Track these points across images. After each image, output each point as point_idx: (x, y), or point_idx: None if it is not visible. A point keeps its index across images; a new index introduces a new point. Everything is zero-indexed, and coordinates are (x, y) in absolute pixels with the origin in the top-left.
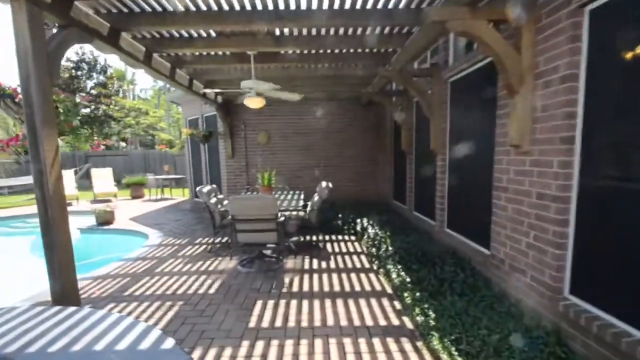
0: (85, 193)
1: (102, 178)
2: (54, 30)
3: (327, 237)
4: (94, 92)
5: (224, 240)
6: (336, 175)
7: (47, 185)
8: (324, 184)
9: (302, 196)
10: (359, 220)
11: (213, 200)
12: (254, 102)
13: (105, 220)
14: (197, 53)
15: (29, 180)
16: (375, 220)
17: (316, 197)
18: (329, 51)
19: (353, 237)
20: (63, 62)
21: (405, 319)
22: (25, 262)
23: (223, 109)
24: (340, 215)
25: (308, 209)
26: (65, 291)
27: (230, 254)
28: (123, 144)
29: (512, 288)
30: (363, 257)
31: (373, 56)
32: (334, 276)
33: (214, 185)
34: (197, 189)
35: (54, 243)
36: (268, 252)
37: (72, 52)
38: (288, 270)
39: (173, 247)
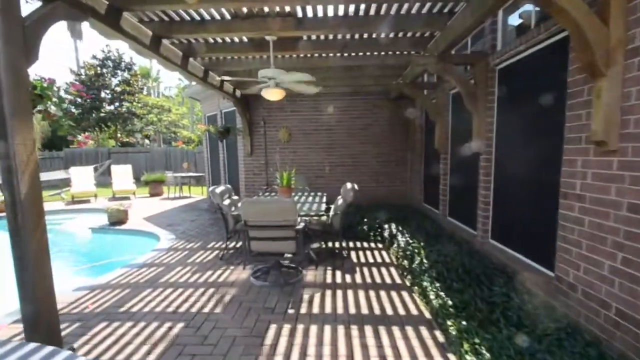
0: (104, 190)
1: (122, 175)
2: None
3: (351, 244)
4: (118, 89)
5: (237, 245)
6: (361, 176)
7: (18, 187)
8: (349, 185)
9: (324, 198)
10: (386, 226)
11: (227, 201)
12: (272, 94)
13: (118, 219)
14: (211, 40)
15: (54, 175)
16: (404, 226)
17: (340, 200)
18: (356, 36)
19: (380, 245)
20: (89, 60)
21: (452, 358)
22: None
23: (242, 104)
24: (365, 220)
25: (331, 213)
26: (39, 315)
27: (243, 263)
28: (146, 141)
29: (588, 322)
30: (393, 270)
31: (407, 41)
32: (361, 294)
33: (228, 186)
34: (210, 189)
35: (26, 257)
36: (285, 261)
37: (98, 50)
38: (308, 284)
39: (183, 252)
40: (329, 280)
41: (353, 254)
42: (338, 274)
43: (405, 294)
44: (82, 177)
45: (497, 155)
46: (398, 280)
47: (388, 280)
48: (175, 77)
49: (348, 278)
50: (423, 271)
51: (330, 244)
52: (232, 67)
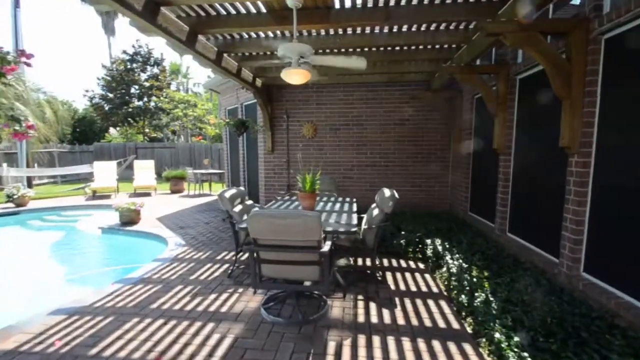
0: (126, 185)
1: (144, 170)
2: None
3: (384, 261)
4: (146, 84)
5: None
6: (394, 177)
7: None
8: (387, 192)
9: (354, 207)
10: (428, 241)
11: (238, 208)
12: (295, 76)
13: (129, 219)
14: (223, 12)
15: (80, 169)
16: (452, 243)
17: (375, 211)
18: (402, 2)
19: (421, 265)
20: (119, 55)
21: None
22: (38, 265)
23: (263, 95)
24: (402, 232)
25: (363, 225)
26: None
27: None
28: (173, 136)
29: None
30: (444, 305)
31: (471, 6)
32: (406, 344)
33: (241, 188)
34: (219, 192)
35: None
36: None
37: (129, 45)
38: (334, 322)
39: (189, 265)
40: (361, 317)
41: (389, 276)
42: (372, 307)
43: (468, 348)
44: (104, 171)
45: (599, 157)
46: (454, 324)
47: (440, 321)
48: (205, 74)
49: (386, 315)
50: (493, 316)
51: (360, 260)
52: (250, 48)
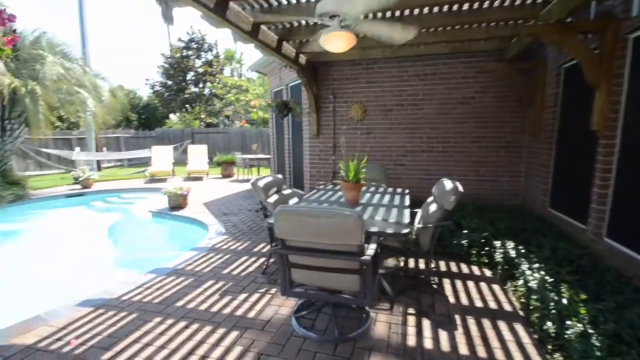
0: (181, 169)
1: (197, 155)
2: None
3: (441, 264)
4: (200, 70)
5: None
6: (454, 165)
7: None
8: (448, 184)
9: (407, 200)
10: (497, 243)
11: (273, 198)
12: (335, 42)
13: (177, 204)
14: None
15: (141, 154)
16: (528, 247)
17: (433, 207)
18: None
19: (488, 272)
20: (175, 42)
21: None
22: (93, 246)
23: (307, 73)
24: (463, 230)
25: (417, 224)
26: None
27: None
28: (227, 121)
29: None
30: (521, 331)
31: None
32: None
33: (278, 176)
34: (252, 180)
35: None
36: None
37: (184, 32)
38: (378, 342)
39: (224, 256)
40: (412, 338)
41: (446, 284)
42: (426, 325)
43: None
44: (161, 156)
45: None
46: (535, 358)
47: (517, 354)
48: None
49: (444, 339)
50: (595, 359)
51: (411, 262)
52: (290, 15)
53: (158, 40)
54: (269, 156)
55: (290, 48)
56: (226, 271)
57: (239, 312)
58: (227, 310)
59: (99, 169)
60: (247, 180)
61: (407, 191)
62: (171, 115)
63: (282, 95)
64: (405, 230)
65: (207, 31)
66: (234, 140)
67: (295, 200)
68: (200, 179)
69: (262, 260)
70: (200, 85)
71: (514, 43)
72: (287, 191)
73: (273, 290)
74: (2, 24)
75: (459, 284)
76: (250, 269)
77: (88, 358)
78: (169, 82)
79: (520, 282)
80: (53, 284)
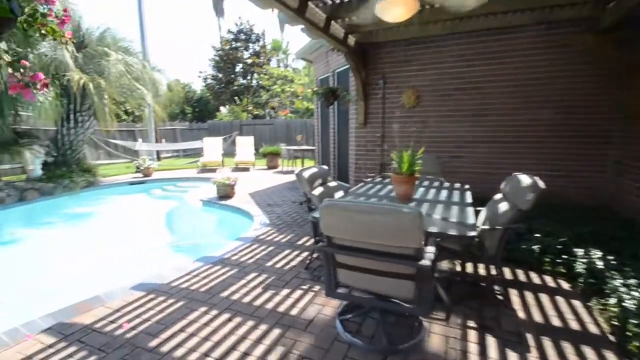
0: (230, 160)
1: (244, 146)
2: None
3: (506, 272)
4: (248, 61)
5: None
6: (524, 158)
7: None
8: (524, 179)
9: (468, 196)
10: (579, 251)
11: (318, 190)
12: (394, 9)
13: (225, 193)
14: None
15: (194, 145)
16: (624, 260)
17: (503, 205)
18: None
19: (565, 284)
20: (224, 35)
21: None
22: (152, 231)
23: (356, 56)
24: (535, 234)
25: (480, 224)
26: None
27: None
28: (273, 113)
29: None
30: None
31: None
32: None
33: (324, 167)
34: (297, 171)
35: None
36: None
37: (232, 24)
38: (433, 358)
39: (268, 248)
40: (474, 358)
41: (514, 295)
42: (490, 342)
43: None
44: (212, 147)
45: None
46: None
47: None
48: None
49: None
50: None
51: (469, 266)
52: None
53: (211, 33)
54: (313, 147)
55: (338, 28)
56: (269, 264)
57: (282, 309)
58: (269, 305)
59: (159, 158)
60: (292, 172)
61: (467, 186)
62: (221, 108)
63: (329, 83)
64: (472, 233)
65: (255, 21)
66: (279, 132)
67: (340, 193)
68: (247, 169)
69: (305, 254)
70: (248, 77)
71: (612, 8)
72: (332, 183)
73: (316, 288)
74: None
75: (529, 296)
76: (293, 262)
77: (137, 343)
78: (220, 75)
79: (612, 300)
80: (117, 263)
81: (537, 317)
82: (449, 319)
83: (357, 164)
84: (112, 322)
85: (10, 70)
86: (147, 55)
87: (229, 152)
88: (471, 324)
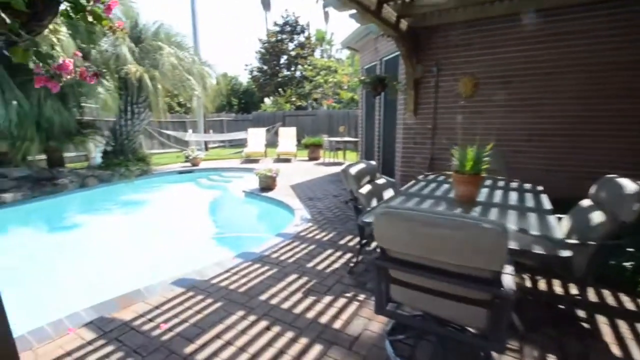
0: (272, 151)
1: (287, 137)
2: None
3: (590, 294)
4: (293, 53)
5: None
6: (593, 154)
7: None
8: (627, 184)
9: (546, 202)
10: None
11: (365, 189)
12: None
13: (266, 185)
14: None
15: (239, 135)
16: None
17: (596, 216)
18: None
19: None
20: (270, 27)
21: None
22: (196, 221)
23: (407, 42)
24: (628, 247)
25: (563, 236)
26: None
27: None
28: (315, 104)
29: None
30: None
31: None
32: None
33: (372, 163)
34: (343, 167)
35: None
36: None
37: (279, 16)
38: None
39: (309, 246)
40: None
41: (602, 322)
42: None
43: None
44: (255, 138)
45: None
46: None
47: None
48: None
49: None
50: None
51: (542, 281)
52: None
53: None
54: (356, 139)
55: (390, 11)
56: (310, 264)
57: (324, 320)
58: (310, 315)
59: (207, 148)
60: (333, 164)
61: (540, 188)
62: (265, 99)
63: (376, 71)
64: (566, 253)
65: (300, 13)
66: (322, 123)
67: (390, 192)
68: (288, 160)
69: (348, 255)
70: (292, 68)
71: None
72: (380, 180)
73: (361, 297)
74: None
75: (622, 325)
76: (336, 265)
77: (172, 347)
78: (265, 67)
79: None
80: (163, 252)
81: (637, 354)
82: (523, 350)
83: (405, 158)
84: (150, 320)
85: (34, 62)
86: (198, 50)
87: (272, 142)
88: (551, 357)
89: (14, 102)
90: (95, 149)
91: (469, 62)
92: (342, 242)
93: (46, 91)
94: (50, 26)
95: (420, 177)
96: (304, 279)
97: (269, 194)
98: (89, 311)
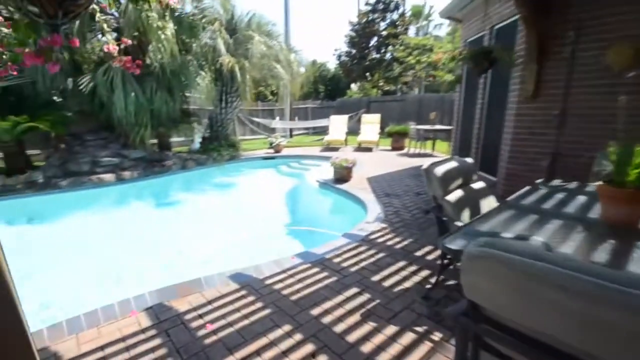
0: (354, 138)
1: (369, 124)
2: None
3: None
4: (384, 33)
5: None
6: None
7: None
8: None
9: None
10: None
11: (454, 195)
12: None
13: (341, 176)
14: None
15: (322, 123)
16: None
17: None
18: None
19: None
20: (362, 7)
21: None
22: (271, 208)
23: (531, 3)
24: None
25: None
26: None
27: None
28: (405, 88)
29: None
30: None
31: None
32: None
33: (467, 161)
34: (426, 165)
35: None
36: None
37: None
38: None
39: (377, 254)
40: None
41: None
42: None
43: None
44: (337, 125)
45: None
46: None
47: None
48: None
49: None
50: None
51: None
52: None
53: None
54: (449, 127)
55: None
56: (376, 278)
57: (384, 357)
58: (366, 348)
59: (291, 135)
60: (419, 155)
61: None
62: (352, 85)
63: (483, 44)
64: None
65: None
66: (410, 109)
67: (491, 201)
68: (369, 150)
69: (425, 273)
70: (382, 50)
71: None
72: (477, 184)
73: (437, 336)
74: None
75: None
76: (407, 283)
77: (211, 355)
78: (353, 51)
79: None
80: (237, 236)
81: None
82: None
83: (514, 152)
84: (200, 316)
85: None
86: (288, 38)
87: (354, 130)
88: None
89: (132, 94)
90: (196, 135)
91: (628, 22)
92: (418, 253)
93: (157, 84)
94: (160, 23)
95: (539, 181)
96: (366, 296)
97: (343, 186)
98: (153, 295)
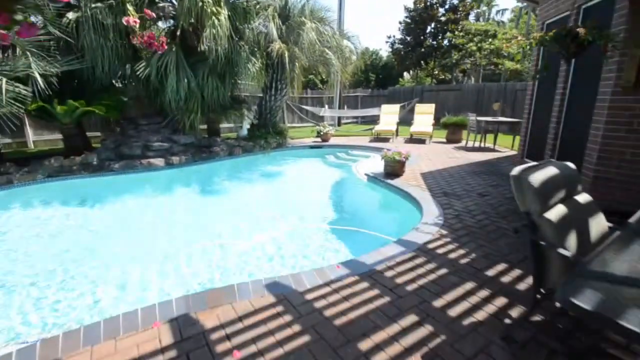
0: (405, 129)
1: (423, 115)
2: None
3: None
4: (443, 19)
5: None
6: None
7: None
8: None
9: None
10: None
11: (557, 212)
12: None
13: (392, 170)
14: None
15: (372, 112)
16: None
17: None
18: None
19: None
20: None
21: None
22: (316, 202)
23: None
24: None
25: None
26: None
27: None
28: (462, 77)
29: None
30: None
31: None
32: None
33: (569, 166)
34: (516, 170)
35: None
36: None
37: None
38: None
39: (439, 270)
40: None
41: None
42: None
43: None
44: (388, 114)
45: None
46: None
47: None
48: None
49: None
50: None
51: None
52: None
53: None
54: (514, 120)
55: None
56: (438, 303)
57: None
58: None
59: (339, 124)
60: (478, 149)
61: None
62: (405, 74)
63: (568, 24)
64: None
65: None
66: (467, 99)
67: (600, 219)
68: (422, 141)
69: (501, 302)
70: (439, 36)
71: None
72: (583, 197)
73: None
74: None
75: None
76: (479, 314)
77: None
78: (408, 38)
79: None
80: (278, 231)
81: None
82: None
83: (605, 152)
84: (227, 337)
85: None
86: (342, 24)
87: (406, 120)
88: None
89: (185, 80)
90: (244, 122)
91: None
92: (489, 272)
93: (209, 70)
94: (214, 9)
95: None
96: (427, 329)
97: (395, 182)
98: (180, 303)
